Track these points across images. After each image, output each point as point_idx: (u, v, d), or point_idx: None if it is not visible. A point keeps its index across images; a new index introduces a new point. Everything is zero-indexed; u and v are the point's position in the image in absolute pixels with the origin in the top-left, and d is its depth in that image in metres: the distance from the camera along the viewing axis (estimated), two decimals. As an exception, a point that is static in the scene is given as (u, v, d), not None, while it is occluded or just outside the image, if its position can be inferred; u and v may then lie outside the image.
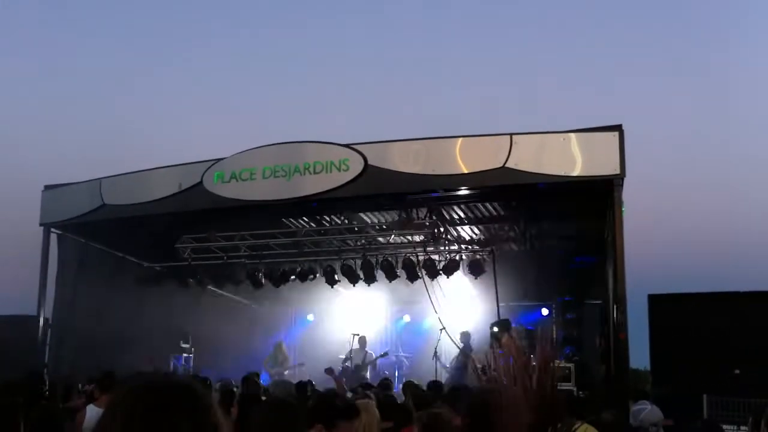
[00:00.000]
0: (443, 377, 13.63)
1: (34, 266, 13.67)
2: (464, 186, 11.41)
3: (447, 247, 13.48)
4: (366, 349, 15.93)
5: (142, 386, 1.60)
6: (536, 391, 2.33)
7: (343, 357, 15.72)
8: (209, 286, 14.83)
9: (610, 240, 10.62)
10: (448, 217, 13.30)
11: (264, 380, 13.70)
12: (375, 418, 4.63)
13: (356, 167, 11.33)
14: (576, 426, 6.47)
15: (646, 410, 5.96)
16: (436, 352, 14.57)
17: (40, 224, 13.78)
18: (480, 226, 14.12)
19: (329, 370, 13.20)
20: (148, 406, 1.54)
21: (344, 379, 13.05)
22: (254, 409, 3.98)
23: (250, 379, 10.29)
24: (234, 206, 12.33)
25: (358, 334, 15.90)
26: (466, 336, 14.59)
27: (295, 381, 11.34)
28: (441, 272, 13.09)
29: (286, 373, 15.73)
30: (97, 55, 38.32)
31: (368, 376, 14.84)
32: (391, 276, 13.41)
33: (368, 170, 11.29)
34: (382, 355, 15.98)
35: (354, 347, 15.68)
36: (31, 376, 7.82)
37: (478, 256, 13.15)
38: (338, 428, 4.04)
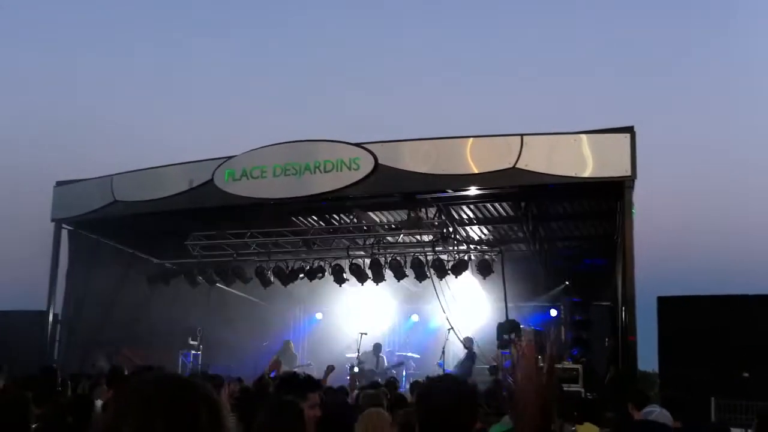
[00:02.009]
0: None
1: (45, 262, 13.77)
2: (474, 186, 11.38)
3: (456, 247, 13.48)
4: (380, 354, 15.91)
5: (156, 382, 1.61)
6: (545, 393, 2.34)
7: (353, 356, 15.64)
8: (218, 283, 14.87)
9: (619, 242, 10.58)
10: (457, 217, 13.29)
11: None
12: (386, 422, 4.60)
13: (367, 166, 11.34)
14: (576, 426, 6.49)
15: (656, 412, 5.95)
16: (443, 353, 14.53)
17: (52, 220, 13.84)
18: (489, 227, 14.11)
19: (330, 368, 13.13)
20: (165, 401, 1.55)
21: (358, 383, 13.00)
22: (259, 408, 3.98)
23: (263, 379, 10.32)
24: (244, 204, 12.37)
25: (365, 333, 15.85)
26: (469, 341, 14.56)
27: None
28: (449, 272, 13.08)
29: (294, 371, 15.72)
30: (100, 52, 38.49)
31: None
32: (400, 275, 13.41)
33: (378, 169, 11.30)
34: (397, 365, 15.96)
35: (366, 350, 15.60)
36: (44, 372, 7.85)
37: (486, 257, 13.13)
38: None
